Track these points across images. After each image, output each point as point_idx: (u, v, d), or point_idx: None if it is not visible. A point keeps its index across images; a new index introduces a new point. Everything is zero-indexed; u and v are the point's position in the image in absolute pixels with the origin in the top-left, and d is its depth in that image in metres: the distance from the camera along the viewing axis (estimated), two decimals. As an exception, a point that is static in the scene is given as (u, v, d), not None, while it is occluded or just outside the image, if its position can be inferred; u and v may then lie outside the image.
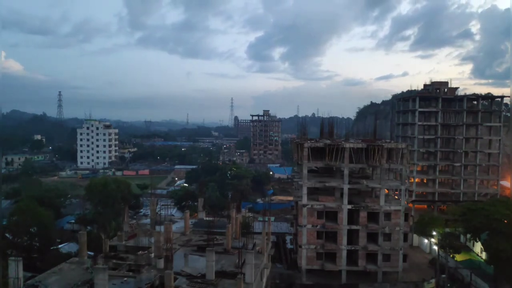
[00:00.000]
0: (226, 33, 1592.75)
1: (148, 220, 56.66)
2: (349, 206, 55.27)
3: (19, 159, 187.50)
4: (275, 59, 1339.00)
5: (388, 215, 55.04)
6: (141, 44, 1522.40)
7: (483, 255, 59.29)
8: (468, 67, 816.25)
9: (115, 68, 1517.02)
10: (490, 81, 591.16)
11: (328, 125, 69.32)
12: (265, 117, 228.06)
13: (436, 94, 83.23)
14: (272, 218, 73.49)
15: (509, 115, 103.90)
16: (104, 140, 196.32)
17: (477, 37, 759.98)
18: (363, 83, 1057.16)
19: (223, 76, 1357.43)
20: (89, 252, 40.69)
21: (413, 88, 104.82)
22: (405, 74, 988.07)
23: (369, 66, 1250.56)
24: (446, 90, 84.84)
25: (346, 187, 55.43)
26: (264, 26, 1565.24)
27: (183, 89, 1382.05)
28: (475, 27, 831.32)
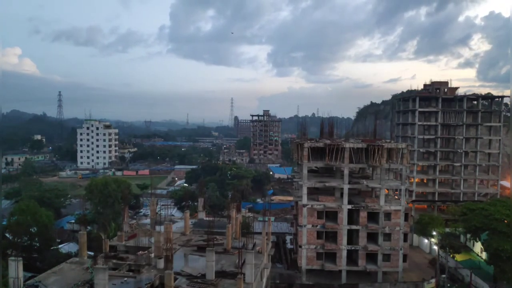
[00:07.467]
0: (253, 42, 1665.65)
1: (148, 220, 56.65)
2: (349, 206, 55.24)
3: (19, 159, 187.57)
4: (292, 65, 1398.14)
5: (388, 215, 55.01)
6: (174, 52, 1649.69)
7: (483, 255, 59.28)
8: (473, 71, 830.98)
9: (139, 73, 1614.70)
10: (494, 83, 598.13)
11: (328, 125, 69.29)
12: (265, 117, 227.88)
13: (436, 94, 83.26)
14: (272, 218, 73.46)
15: (509, 115, 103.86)
16: (104, 140, 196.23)
17: (483, 42, 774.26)
18: (372, 85, 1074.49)
19: (239, 80, 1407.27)
20: (89, 252, 40.66)
21: (413, 88, 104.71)
22: (413, 77, 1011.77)
23: (378, 71, 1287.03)
24: (446, 90, 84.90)
25: (346, 187, 55.42)
26: (288, 35, 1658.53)
27: (190, 90, 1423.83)
28: (480, 33, 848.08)
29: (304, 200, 55.42)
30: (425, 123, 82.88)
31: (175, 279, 31.12)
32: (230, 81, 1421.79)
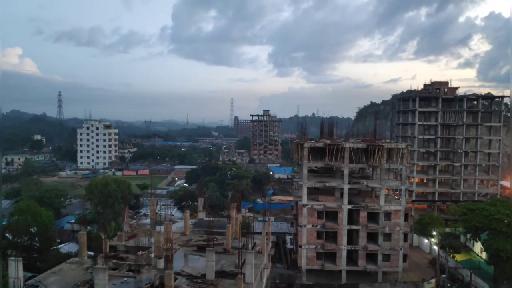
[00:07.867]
0: (254, 43, 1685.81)
1: (148, 220, 56.65)
2: (349, 206, 55.24)
3: (19, 159, 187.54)
4: (292, 65, 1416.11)
5: (388, 215, 55.01)
6: (175, 53, 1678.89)
7: (483, 255, 59.27)
8: (473, 71, 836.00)
9: (140, 73, 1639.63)
10: (494, 83, 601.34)
11: (328, 125, 69.29)
12: (265, 117, 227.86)
13: (436, 94, 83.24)
14: (272, 218, 73.46)
15: (509, 115, 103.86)
16: (104, 140, 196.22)
17: (483, 43, 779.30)
18: (372, 85, 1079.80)
19: (239, 80, 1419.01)
20: (89, 252, 40.67)
21: (413, 88, 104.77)
22: (413, 77, 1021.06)
23: (378, 71, 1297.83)
24: (446, 90, 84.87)
25: (346, 187, 55.42)
26: (289, 36, 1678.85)
27: (190, 90, 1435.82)
28: (480, 34, 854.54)
29: (304, 200, 55.42)
30: (425, 123, 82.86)
31: (175, 279, 31.13)
32: (230, 81, 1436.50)
